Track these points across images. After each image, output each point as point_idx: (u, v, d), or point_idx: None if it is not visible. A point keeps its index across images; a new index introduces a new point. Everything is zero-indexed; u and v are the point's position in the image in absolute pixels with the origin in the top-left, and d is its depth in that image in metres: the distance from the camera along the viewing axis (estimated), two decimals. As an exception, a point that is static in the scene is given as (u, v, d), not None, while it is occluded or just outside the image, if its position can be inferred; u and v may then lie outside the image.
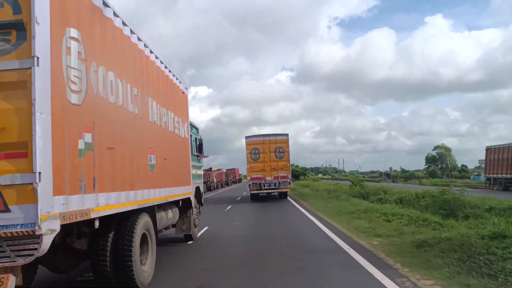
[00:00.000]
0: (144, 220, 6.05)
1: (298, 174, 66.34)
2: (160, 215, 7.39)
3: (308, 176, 71.75)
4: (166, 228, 8.71)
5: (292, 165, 68.76)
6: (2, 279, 3.36)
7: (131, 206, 5.52)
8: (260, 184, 22.96)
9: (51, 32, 3.68)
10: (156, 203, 6.76)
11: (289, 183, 23.63)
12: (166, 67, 7.86)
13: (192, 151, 10.20)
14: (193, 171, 10.14)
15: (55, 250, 4.28)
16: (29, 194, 3.36)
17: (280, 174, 22.97)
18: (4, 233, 3.33)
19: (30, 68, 3.43)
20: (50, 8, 3.66)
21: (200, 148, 11.44)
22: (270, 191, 23.78)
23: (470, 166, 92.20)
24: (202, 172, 12.52)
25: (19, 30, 3.52)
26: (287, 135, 23.96)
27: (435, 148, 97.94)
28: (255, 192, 23.41)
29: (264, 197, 25.69)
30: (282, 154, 23.23)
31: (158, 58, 7.28)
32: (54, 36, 3.74)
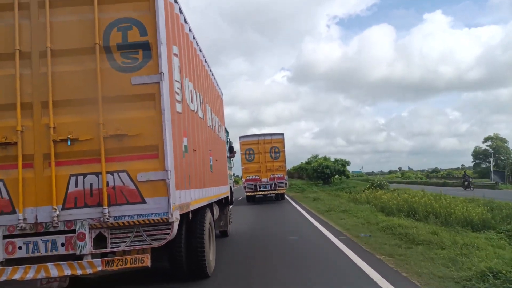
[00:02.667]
0: (209, 215, 6.70)
1: (330, 173, 40.69)
2: (214, 211, 8.05)
3: (348, 177, 44.60)
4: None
5: (315, 157, 46.16)
6: (143, 258, 4.01)
7: (204, 202, 6.19)
8: (255, 185, 22.53)
9: (167, 52, 4.35)
10: (214, 200, 7.42)
11: (286, 184, 23.36)
12: (212, 75, 8.53)
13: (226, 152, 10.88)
14: (227, 172, 10.82)
15: None
16: (161, 188, 4.02)
17: (276, 175, 22.57)
18: (143, 220, 3.98)
19: (158, 82, 4.10)
20: (166, 31, 4.33)
21: (231, 150, 12.14)
22: (266, 192, 23.24)
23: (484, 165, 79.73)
24: (233, 173, 13.20)
25: (145, 49, 4.17)
26: (282, 134, 23.42)
27: (486, 139, 77.88)
28: (250, 194, 23.08)
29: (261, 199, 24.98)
30: (277, 154, 22.76)
31: (209, 67, 7.96)
32: (168, 54, 4.41)
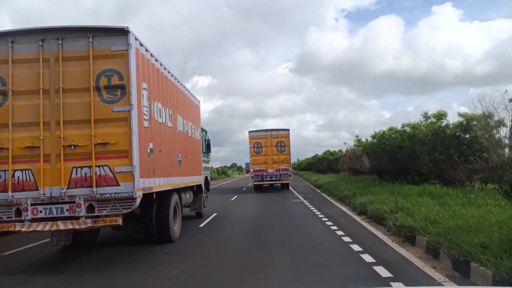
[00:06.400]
0: (175, 197, 9.13)
1: None
2: (183, 195, 10.47)
3: None
4: (184, 206, 11.77)
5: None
6: (117, 219, 6.43)
7: (169, 187, 8.61)
8: (262, 175, 25.00)
9: (137, 89, 6.73)
10: (181, 187, 9.85)
11: (290, 175, 25.64)
12: (186, 89, 10.90)
13: (202, 149, 13.30)
14: (203, 165, 13.25)
15: None
16: (129, 176, 6.43)
17: (281, 167, 24.86)
18: (118, 196, 6.39)
19: (130, 110, 6.49)
20: (136, 75, 6.71)
21: (208, 146, 14.58)
22: (272, 182, 25.77)
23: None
24: (210, 165, 15.64)
25: (122, 89, 6.55)
26: (288, 130, 25.82)
27: None
28: (258, 183, 25.61)
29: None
30: (283, 148, 25.05)
31: (182, 84, 10.33)
32: (138, 90, 6.79)
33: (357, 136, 24.80)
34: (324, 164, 43.25)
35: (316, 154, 53.61)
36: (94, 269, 6.84)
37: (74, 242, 7.94)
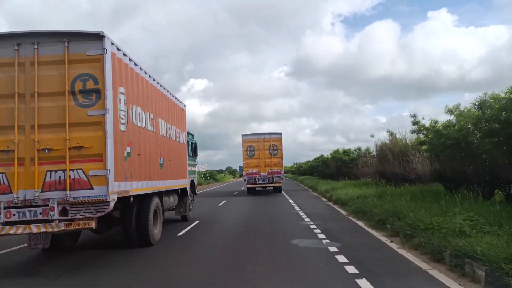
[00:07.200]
0: (155, 201, 9.16)
1: None
2: (165, 199, 10.49)
3: None
4: (168, 210, 11.78)
5: None
6: (90, 223, 6.46)
7: (148, 191, 8.64)
8: (255, 178, 25.36)
9: (113, 93, 6.78)
10: (163, 190, 9.87)
11: (282, 178, 26.11)
12: (170, 94, 10.95)
13: (189, 153, 13.33)
14: (189, 168, 13.28)
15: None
16: (103, 180, 6.46)
17: (273, 170, 25.32)
18: (91, 200, 6.42)
19: (104, 114, 6.53)
20: (112, 79, 6.76)
21: (195, 150, 14.61)
22: (264, 185, 26.17)
23: None
24: (196, 169, 15.67)
25: (97, 93, 6.60)
26: (280, 134, 26.26)
27: None
28: (250, 186, 25.91)
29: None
30: (275, 151, 25.53)
31: (165, 89, 10.38)
32: (114, 94, 6.83)
33: (415, 116, 12.55)
34: (333, 167, 33.36)
35: (322, 155, 44.33)
36: (72, 273, 6.81)
37: (55, 246, 7.96)
